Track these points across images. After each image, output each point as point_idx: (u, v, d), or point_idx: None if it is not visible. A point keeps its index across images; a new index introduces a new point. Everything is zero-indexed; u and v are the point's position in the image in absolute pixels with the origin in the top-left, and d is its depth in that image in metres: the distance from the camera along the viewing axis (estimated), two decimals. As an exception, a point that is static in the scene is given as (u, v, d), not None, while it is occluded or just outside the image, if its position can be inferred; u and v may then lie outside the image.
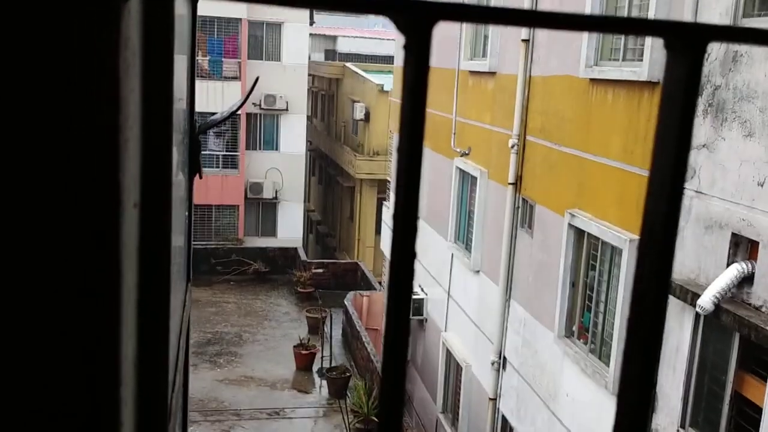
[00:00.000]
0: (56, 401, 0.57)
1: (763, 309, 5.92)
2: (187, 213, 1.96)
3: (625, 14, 8.16)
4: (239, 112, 25.13)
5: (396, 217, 0.39)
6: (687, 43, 0.41)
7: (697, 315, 6.55)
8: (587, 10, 8.62)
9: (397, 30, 0.38)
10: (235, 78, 25.42)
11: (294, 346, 17.74)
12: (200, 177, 1.98)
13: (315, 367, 17.52)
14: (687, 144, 0.42)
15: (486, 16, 0.39)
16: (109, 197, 0.53)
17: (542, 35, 10.06)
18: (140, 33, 0.68)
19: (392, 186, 16.96)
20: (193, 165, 1.90)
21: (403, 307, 0.41)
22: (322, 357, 17.36)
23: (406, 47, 0.38)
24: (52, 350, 0.56)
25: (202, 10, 26.25)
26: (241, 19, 25.32)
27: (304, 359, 17.47)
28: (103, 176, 0.53)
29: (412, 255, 0.40)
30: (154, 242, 0.82)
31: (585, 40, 8.67)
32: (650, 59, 7.37)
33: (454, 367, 13.18)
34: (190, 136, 1.87)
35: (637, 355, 0.44)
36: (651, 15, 7.39)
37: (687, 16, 6.84)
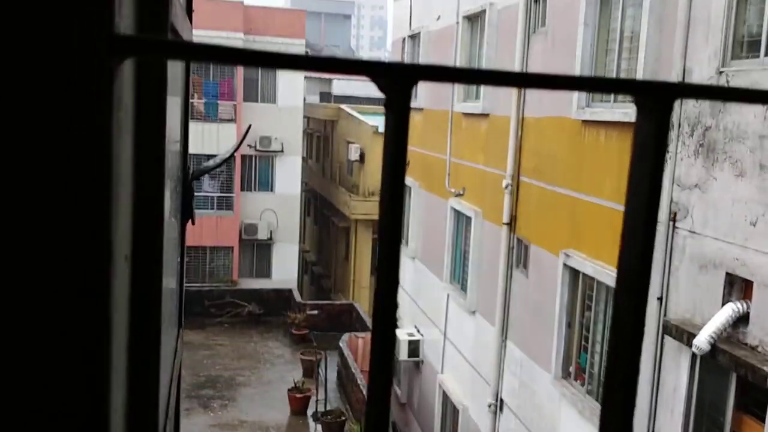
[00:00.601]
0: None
1: (759, 349, 5.89)
2: (179, 259, 1.96)
3: (615, 56, 8.29)
4: (234, 154, 25.23)
5: (380, 270, 0.40)
6: (655, 100, 0.43)
7: (694, 355, 6.51)
8: (578, 55, 8.76)
9: (378, 90, 0.39)
10: (230, 120, 25.61)
11: (288, 390, 17.52)
12: (193, 223, 1.98)
13: (310, 411, 17.28)
14: (657, 195, 0.43)
15: (461, 77, 0.41)
16: (99, 252, 0.54)
17: (534, 77, 10.19)
18: (133, 93, 0.70)
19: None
20: (185, 211, 1.91)
21: (388, 355, 0.42)
22: (317, 400, 17.13)
23: (386, 106, 0.39)
24: (40, 408, 0.56)
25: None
26: (237, 62, 25.60)
27: (299, 403, 17.24)
28: (94, 231, 0.53)
29: (394, 309, 0.41)
30: (145, 293, 0.82)
31: (576, 82, 8.78)
32: (641, 101, 7.45)
33: (450, 410, 13.02)
34: (183, 182, 1.88)
35: (618, 387, 0.45)
36: (641, 57, 7.51)
37: (676, 59, 6.95)
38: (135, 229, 0.78)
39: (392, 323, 0.42)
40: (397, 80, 0.39)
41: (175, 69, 1.69)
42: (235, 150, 2.99)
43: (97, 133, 0.51)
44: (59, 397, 0.56)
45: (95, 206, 0.53)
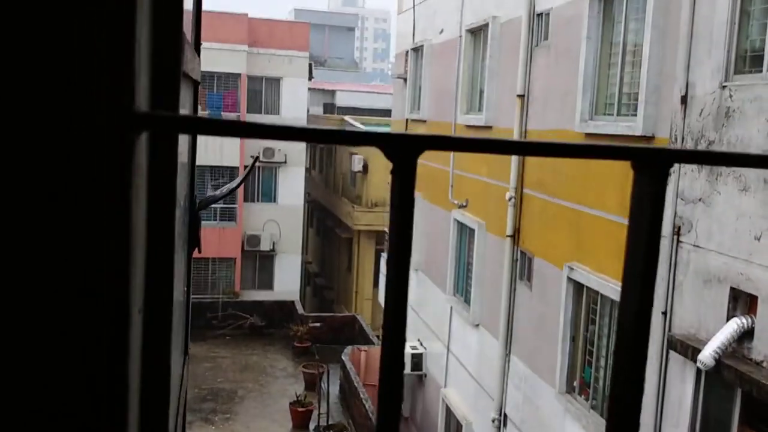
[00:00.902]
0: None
1: (764, 364, 5.85)
2: (185, 288, 1.96)
3: (618, 70, 8.29)
4: (238, 165, 25.33)
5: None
6: (652, 165, 0.44)
7: (699, 370, 6.47)
8: (580, 68, 8.77)
9: (386, 157, 0.41)
10: (234, 132, 25.66)
11: (290, 403, 17.47)
12: (199, 251, 2.00)
13: (312, 425, 17.23)
14: (655, 255, 0.44)
15: (463, 145, 0.42)
16: (118, 309, 0.57)
17: (538, 91, 10.21)
18: (147, 158, 0.73)
19: (389, 235, 17.07)
20: (192, 240, 1.93)
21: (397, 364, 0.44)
22: (319, 414, 17.08)
23: (393, 172, 0.41)
24: None
25: (202, 65, 26.59)
26: (240, 74, 25.74)
27: (301, 417, 17.18)
28: (113, 291, 0.57)
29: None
30: (155, 344, 0.85)
31: (580, 95, 8.80)
32: (644, 114, 7.46)
33: (454, 425, 12.96)
34: (190, 212, 1.89)
35: (624, 400, 0.47)
36: (643, 71, 7.52)
37: (679, 73, 6.95)
38: (147, 284, 0.81)
39: (401, 348, 0.44)
40: (404, 150, 0.41)
41: (184, 94, 1.70)
42: (241, 182, 3.02)
43: (117, 204, 0.54)
44: None
45: (114, 268, 0.56)
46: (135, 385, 0.75)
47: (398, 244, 0.41)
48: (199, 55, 2.12)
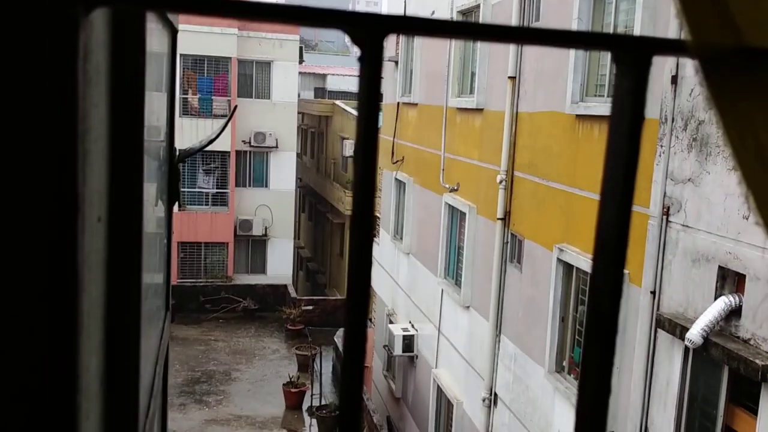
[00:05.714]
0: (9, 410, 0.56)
1: (752, 342, 5.92)
2: (166, 241, 1.96)
3: (608, 56, 8.28)
4: (229, 149, 25.23)
5: (352, 227, 0.40)
6: (633, 55, 0.42)
7: (687, 349, 6.54)
8: (570, 66, 8.75)
9: (351, 41, 0.39)
10: (224, 116, 25.55)
11: (283, 384, 17.54)
12: (179, 207, 1.99)
13: (305, 406, 17.30)
14: (635, 155, 0.42)
15: (434, 29, 0.41)
16: (65, 209, 0.53)
17: (529, 72, 10.20)
18: (108, 47, 0.68)
19: (381, 220, 16.88)
20: (172, 193, 1.91)
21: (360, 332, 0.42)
22: (312, 395, 17.16)
23: (360, 59, 0.40)
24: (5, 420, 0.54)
25: (193, 49, 26.23)
26: (231, 57, 25.56)
27: (294, 398, 17.26)
28: (59, 186, 0.52)
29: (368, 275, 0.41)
30: (123, 255, 0.81)
31: (570, 76, 8.80)
32: (634, 95, 7.47)
33: (445, 404, 13.05)
34: (169, 164, 1.87)
35: (595, 367, 0.45)
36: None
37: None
38: (111, 192, 0.78)
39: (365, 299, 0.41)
40: (372, 31, 0.39)
41: (161, 40, 1.68)
42: (222, 130, 3.01)
43: (61, 83, 0.50)
44: (24, 408, 0.55)
45: (58, 156, 0.52)
46: (96, 313, 0.73)
47: (365, 140, 0.40)
48: None
